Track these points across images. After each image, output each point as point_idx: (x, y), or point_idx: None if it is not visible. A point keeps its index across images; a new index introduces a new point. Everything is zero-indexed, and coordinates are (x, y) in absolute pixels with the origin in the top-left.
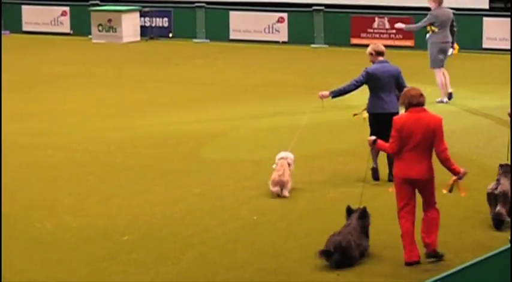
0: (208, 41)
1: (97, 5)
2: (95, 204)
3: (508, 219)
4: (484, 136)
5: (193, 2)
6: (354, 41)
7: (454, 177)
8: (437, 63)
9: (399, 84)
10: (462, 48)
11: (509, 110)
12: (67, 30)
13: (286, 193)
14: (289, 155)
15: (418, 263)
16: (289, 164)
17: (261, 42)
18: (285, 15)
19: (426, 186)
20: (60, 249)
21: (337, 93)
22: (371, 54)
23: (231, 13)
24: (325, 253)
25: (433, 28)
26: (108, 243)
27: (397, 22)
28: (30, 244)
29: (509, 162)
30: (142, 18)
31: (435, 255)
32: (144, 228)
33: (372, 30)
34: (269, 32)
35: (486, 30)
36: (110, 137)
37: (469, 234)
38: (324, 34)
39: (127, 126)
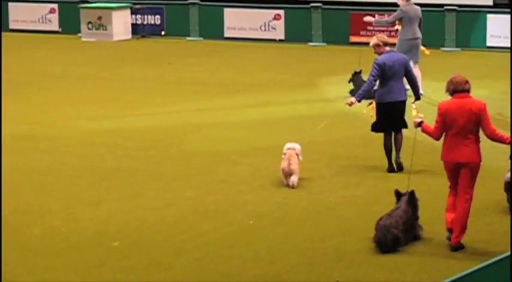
0: (202, 39)
1: (87, 1)
2: (85, 209)
3: None
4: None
5: None
6: (353, 39)
7: None
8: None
9: (407, 72)
10: (466, 46)
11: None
12: (55, 28)
13: (295, 181)
14: (297, 146)
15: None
16: (297, 154)
17: (256, 41)
18: (281, 12)
19: (470, 170)
20: (49, 255)
21: (362, 96)
22: (378, 45)
23: (226, 10)
24: (378, 241)
25: (398, 26)
26: (99, 250)
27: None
28: (18, 250)
29: None
30: (133, 16)
31: (458, 248)
32: (136, 234)
33: (372, 28)
34: (265, 30)
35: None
36: (100, 140)
37: (473, 238)
38: (322, 32)
39: (117, 128)
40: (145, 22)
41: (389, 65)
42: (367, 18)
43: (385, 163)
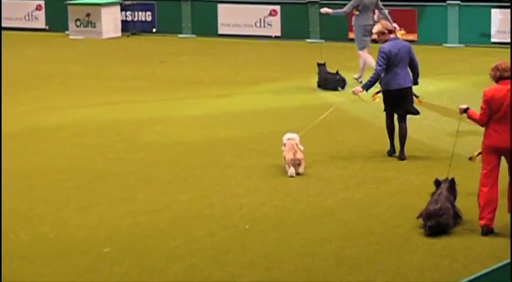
0: (194, 36)
1: None
2: (74, 214)
3: None
4: None
5: None
6: (352, 35)
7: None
8: (361, 44)
9: (411, 59)
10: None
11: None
12: (42, 25)
13: (301, 170)
14: (296, 137)
15: (491, 231)
16: (296, 144)
17: (251, 37)
18: (277, 7)
19: None
20: (36, 262)
21: (369, 86)
22: (383, 33)
23: (219, 6)
24: (427, 216)
25: (355, 12)
26: (88, 256)
27: (399, 15)
28: (4, 257)
29: None
30: (123, 12)
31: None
32: (127, 239)
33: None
34: (260, 26)
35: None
36: (89, 142)
37: (478, 242)
38: (319, 28)
39: (108, 129)
40: (135, 19)
41: (394, 53)
42: (324, 10)
43: (385, 164)
